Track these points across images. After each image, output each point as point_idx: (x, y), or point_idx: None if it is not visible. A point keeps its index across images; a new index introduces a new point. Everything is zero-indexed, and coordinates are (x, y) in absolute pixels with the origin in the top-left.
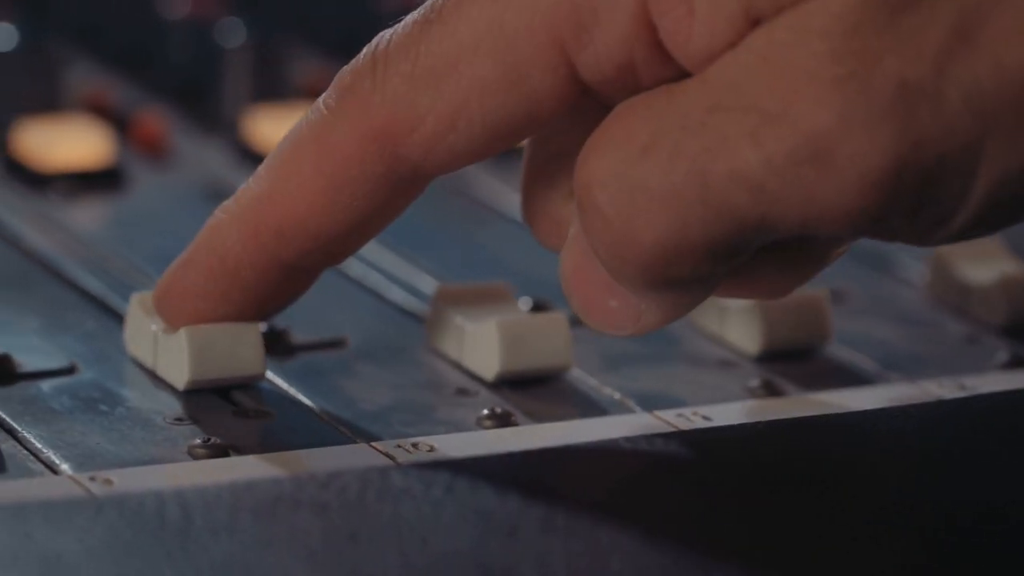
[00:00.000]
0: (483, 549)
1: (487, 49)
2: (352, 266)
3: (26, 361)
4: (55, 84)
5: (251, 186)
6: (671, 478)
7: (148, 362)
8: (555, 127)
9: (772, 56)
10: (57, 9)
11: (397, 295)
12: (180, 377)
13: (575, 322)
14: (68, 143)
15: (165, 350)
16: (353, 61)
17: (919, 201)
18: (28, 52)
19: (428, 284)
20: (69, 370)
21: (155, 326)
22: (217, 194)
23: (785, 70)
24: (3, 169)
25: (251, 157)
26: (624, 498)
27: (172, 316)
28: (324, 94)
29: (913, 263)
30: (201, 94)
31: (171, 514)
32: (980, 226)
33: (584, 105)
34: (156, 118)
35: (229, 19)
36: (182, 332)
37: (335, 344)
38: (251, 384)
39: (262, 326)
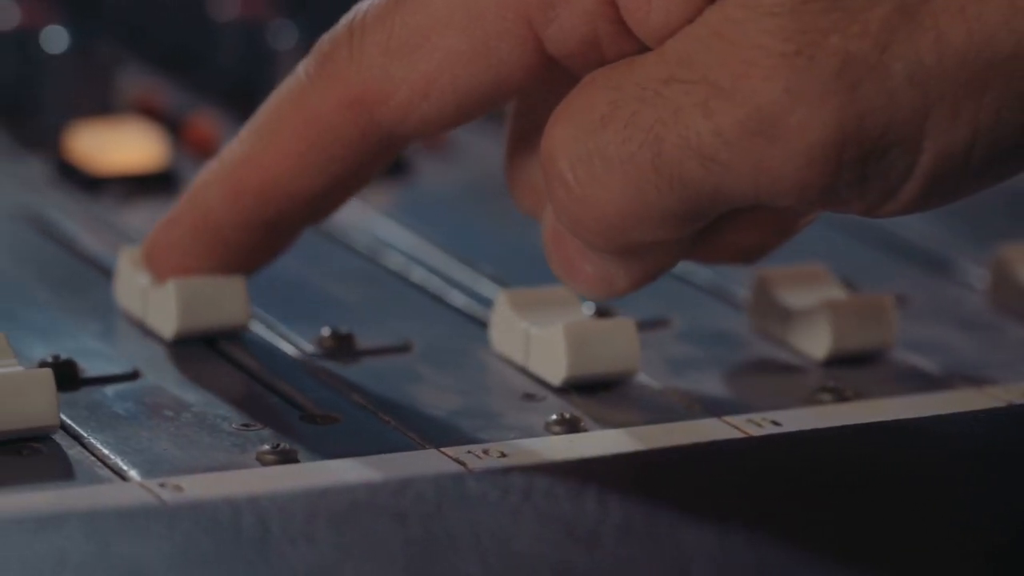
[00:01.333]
0: (564, 556)
1: (458, 23)
2: (414, 271)
3: (89, 366)
4: (107, 86)
5: (234, 147)
6: (747, 484)
7: (138, 314)
8: (534, 99)
9: (724, 32)
10: (107, 11)
11: (459, 300)
12: (168, 327)
13: (642, 327)
14: (122, 146)
15: (154, 302)
16: (332, 30)
17: (865, 173)
18: (80, 54)
19: (487, 288)
20: (132, 375)
21: (144, 280)
22: None
23: (736, 45)
24: (57, 172)
25: None
26: (703, 504)
27: (159, 270)
28: (304, 60)
29: (974, 268)
30: (252, 96)
31: (247, 522)
32: (928, 199)
33: (561, 77)
34: (208, 120)
35: (279, 21)
36: (170, 284)
37: (400, 349)
38: (236, 334)
39: (323, 331)
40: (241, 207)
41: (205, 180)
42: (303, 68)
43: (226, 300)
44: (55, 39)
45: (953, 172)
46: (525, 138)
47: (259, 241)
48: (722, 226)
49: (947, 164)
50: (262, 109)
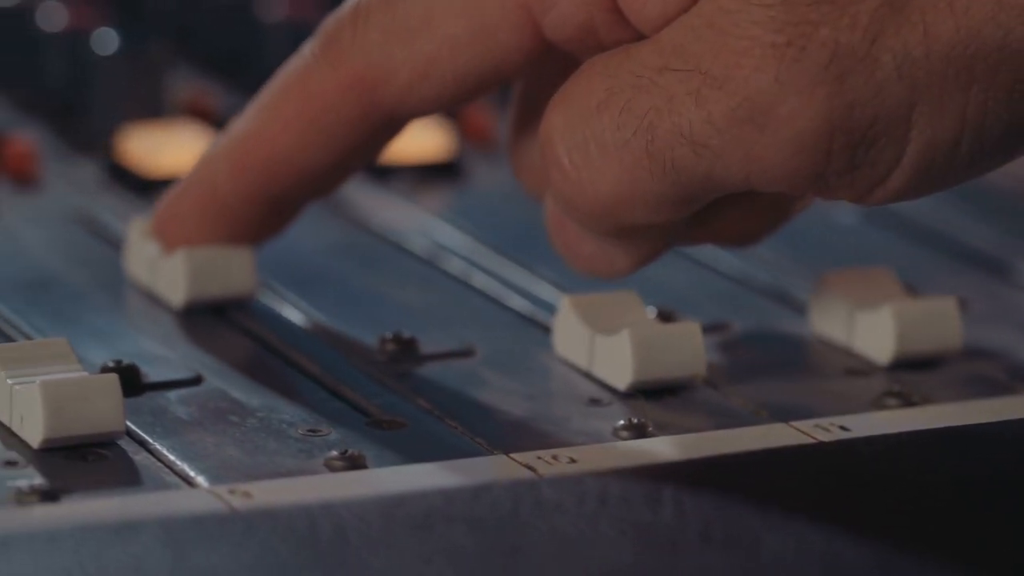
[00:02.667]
0: (644, 563)
1: (459, 9)
2: (473, 275)
3: (150, 371)
4: (157, 89)
5: (240, 123)
6: (822, 490)
7: (146, 283)
8: (537, 82)
9: (717, 22)
10: (154, 14)
11: (519, 303)
12: (177, 296)
13: (703, 331)
14: (174, 149)
15: (162, 272)
16: (337, 11)
17: (854, 162)
18: (130, 56)
19: (546, 291)
20: (195, 380)
21: (152, 250)
22: (327, 200)
23: (728, 36)
24: (109, 175)
25: None
26: (779, 510)
27: (168, 242)
28: (309, 40)
29: None
30: None
31: (324, 529)
32: (917, 188)
33: (563, 61)
34: None
35: None
36: (178, 254)
37: (463, 353)
38: (244, 303)
39: (386, 336)
40: (246, 181)
41: (212, 155)
42: (308, 48)
43: (234, 270)
44: (105, 41)
45: (941, 162)
46: (528, 121)
47: (264, 214)
48: (717, 210)
49: (935, 155)
50: (268, 87)
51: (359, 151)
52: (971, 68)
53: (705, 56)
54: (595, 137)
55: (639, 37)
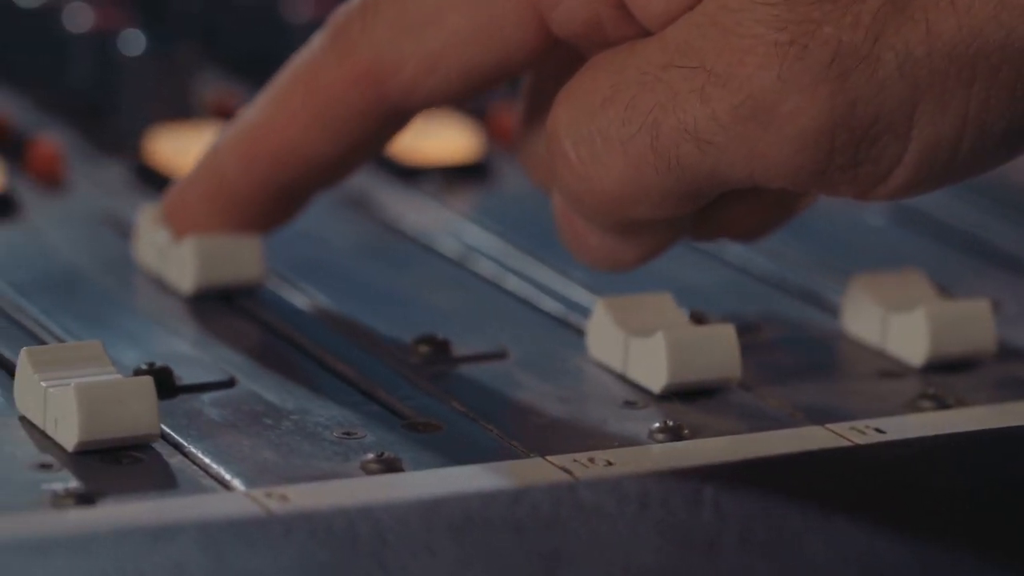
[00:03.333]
0: (685, 566)
1: (467, 4)
2: (504, 277)
3: (184, 373)
4: (185, 90)
5: (249, 113)
6: (861, 492)
7: (156, 270)
8: (545, 76)
9: (722, 20)
10: (180, 15)
11: (550, 305)
12: (186, 283)
13: (740, 333)
14: (201, 150)
15: (172, 259)
16: (346, 4)
17: (856, 159)
18: (157, 57)
19: (578, 294)
20: (229, 383)
21: (162, 237)
22: (355, 200)
23: (732, 34)
24: (137, 176)
25: (384, 163)
26: (819, 513)
27: (178, 228)
28: (318, 32)
29: None
30: None
31: (363, 533)
32: (919, 184)
33: (571, 56)
34: None
35: None
36: (188, 241)
37: (496, 356)
38: (252, 289)
39: (419, 338)
40: (255, 171)
41: (220, 144)
42: (317, 40)
43: (242, 257)
44: (131, 42)
45: (943, 159)
46: (536, 114)
47: (272, 204)
48: (723, 204)
49: (936, 152)
50: (278, 78)
51: (366, 143)
52: (973, 66)
53: (709, 53)
54: (600, 132)
55: (645, 33)
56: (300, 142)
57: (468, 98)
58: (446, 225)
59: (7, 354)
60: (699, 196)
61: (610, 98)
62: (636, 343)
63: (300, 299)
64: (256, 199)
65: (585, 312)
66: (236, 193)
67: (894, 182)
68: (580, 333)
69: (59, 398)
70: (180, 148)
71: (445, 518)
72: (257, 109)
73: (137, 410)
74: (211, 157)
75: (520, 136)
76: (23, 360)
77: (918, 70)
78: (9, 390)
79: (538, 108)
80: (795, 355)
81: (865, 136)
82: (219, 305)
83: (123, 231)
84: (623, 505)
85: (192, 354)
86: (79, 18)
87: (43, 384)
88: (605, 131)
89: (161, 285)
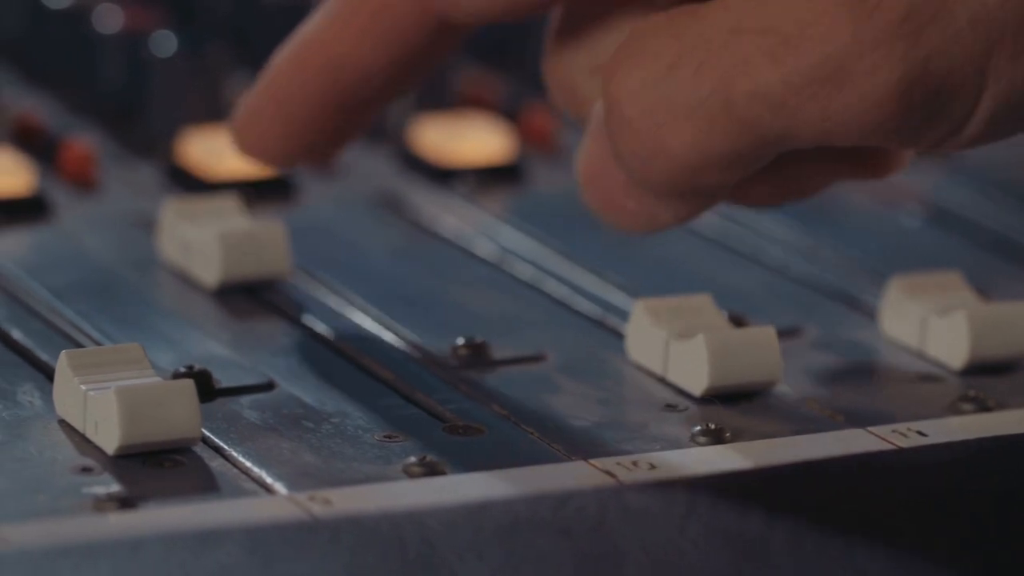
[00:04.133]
0: (736, 571)
1: None
2: (540, 279)
3: (223, 376)
4: (216, 91)
5: (305, 27)
6: (907, 495)
7: (180, 265)
8: (581, 3)
9: None
10: (208, 16)
11: (586, 307)
12: (211, 277)
13: (779, 335)
14: (234, 152)
15: (196, 253)
16: None
17: (930, 114)
18: (188, 58)
19: (614, 296)
20: (268, 386)
21: (186, 232)
22: (387, 201)
23: None
24: (169, 177)
25: (418, 166)
26: (868, 516)
27: (245, 147)
28: None
29: None
30: None
31: (410, 537)
32: (991, 135)
33: None
34: None
35: None
36: (212, 235)
37: (535, 359)
38: (277, 283)
39: (458, 341)
40: (309, 84)
41: (279, 59)
42: None
43: (267, 250)
44: (162, 43)
45: (1015, 110)
46: (569, 36)
47: (331, 121)
48: (780, 166)
49: (1010, 103)
50: None
51: (416, 57)
52: None
53: (778, 15)
54: (667, 100)
55: None
56: (351, 54)
57: (512, 17)
58: (480, 227)
59: (44, 357)
60: (766, 158)
61: (675, 64)
62: (676, 345)
63: (334, 300)
64: (314, 113)
65: (622, 314)
66: (296, 107)
67: (967, 134)
68: (618, 335)
69: (100, 401)
70: (212, 150)
71: (492, 522)
72: (311, 23)
73: (178, 413)
74: (271, 73)
75: (546, 57)
76: (62, 363)
77: (990, 22)
78: (47, 393)
79: (568, 30)
80: (834, 358)
81: (939, 90)
82: (252, 304)
83: (156, 233)
84: (670, 509)
85: (229, 356)
86: (109, 19)
87: (83, 387)
88: (672, 98)
89: (185, 280)
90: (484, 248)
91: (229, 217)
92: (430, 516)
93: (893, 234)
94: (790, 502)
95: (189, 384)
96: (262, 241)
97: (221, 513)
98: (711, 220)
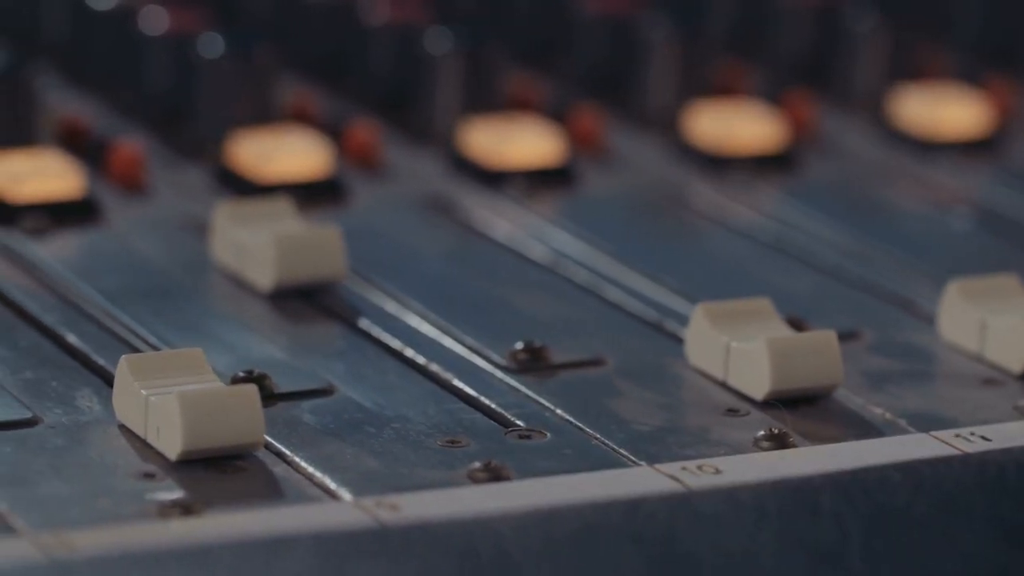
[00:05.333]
0: None
1: None
2: (594, 282)
3: (282, 381)
4: (264, 93)
5: None
6: (977, 500)
7: (234, 268)
8: None
9: None
10: (255, 17)
11: (640, 309)
12: (266, 280)
13: (840, 339)
14: (286, 154)
15: (251, 256)
16: None
17: None
18: (236, 59)
19: (670, 299)
20: (328, 390)
21: (240, 235)
22: (436, 204)
23: None
24: (218, 180)
25: (468, 168)
26: (939, 521)
27: None
28: None
29: None
30: (407, 103)
31: (483, 544)
32: None
33: None
34: (368, 128)
35: (434, 27)
36: (268, 237)
37: (594, 363)
38: (331, 287)
39: (517, 345)
40: None
41: None
42: None
43: (323, 253)
44: (209, 45)
45: None
46: None
47: None
48: None
49: None
50: None
51: None
52: None
53: None
54: None
55: None
56: None
57: None
58: (531, 229)
59: (101, 362)
60: None
61: None
62: (737, 350)
63: (389, 303)
64: None
65: (678, 317)
66: None
67: None
68: (676, 339)
69: (161, 407)
70: (261, 152)
71: (563, 528)
72: None
73: (241, 419)
74: None
75: None
76: (122, 368)
77: None
78: (105, 398)
79: None
80: (894, 361)
81: None
82: (307, 308)
83: (206, 236)
84: (740, 515)
85: (286, 360)
86: (154, 21)
87: (144, 392)
88: None
89: (239, 283)
90: (536, 251)
91: (283, 220)
92: (501, 522)
93: (943, 236)
94: (860, 507)
95: (252, 389)
96: (317, 244)
97: (288, 519)
98: (762, 222)
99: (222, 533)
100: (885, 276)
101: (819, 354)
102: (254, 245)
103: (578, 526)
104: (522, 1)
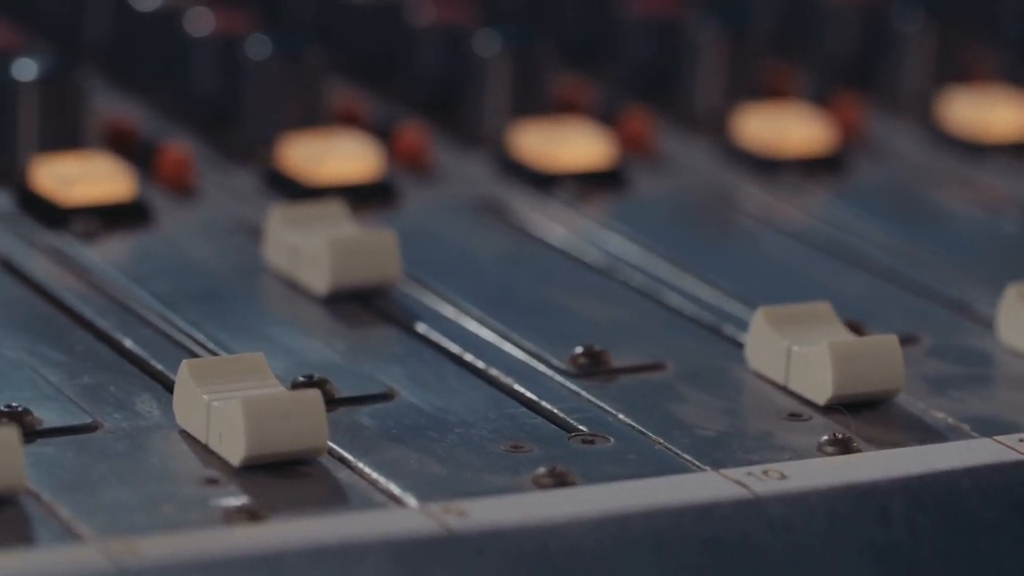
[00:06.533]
0: None
1: None
2: (653, 287)
3: (342, 386)
4: (312, 95)
5: None
6: None
7: (288, 272)
8: None
9: None
10: (301, 18)
11: (702, 316)
12: (321, 284)
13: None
14: (335, 156)
15: (305, 259)
16: None
17: None
18: (285, 61)
19: (727, 303)
20: (388, 395)
21: (294, 238)
22: (487, 207)
23: None
24: (268, 183)
25: (518, 171)
26: (1013, 528)
27: None
28: None
29: None
30: (455, 105)
31: (556, 550)
32: None
33: None
34: (417, 131)
35: (482, 28)
36: (323, 240)
37: (654, 367)
38: (386, 290)
39: (577, 349)
40: None
41: None
42: None
43: (378, 256)
44: (256, 47)
45: None
46: None
47: None
48: None
49: None
50: None
51: None
52: None
53: None
54: None
55: None
56: None
57: None
58: (584, 233)
59: (159, 366)
60: None
61: None
62: (799, 354)
63: (445, 307)
64: None
65: (735, 321)
66: None
67: None
68: (734, 343)
69: (224, 412)
70: (312, 155)
71: (635, 534)
72: None
73: (306, 424)
74: None
75: None
76: (184, 373)
77: None
78: (165, 403)
79: None
80: (953, 365)
81: None
82: (363, 311)
83: (257, 238)
84: (812, 521)
85: (345, 364)
86: (200, 22)
87: (205, 397)
88: None
89: (293, 287)
90: (590, 255)
91: (337, 223)
92: (574, 528)
93: (994, 239)
94: (931, 513)
95: (316, 395)
96: (373, 247)
97: (358, 526)
98: (813, 225)
99: (292, 540)
100: (939, 279)
101: (881, 358)
102: (308, 248)
103: (649, 532)
104: (567, 2)
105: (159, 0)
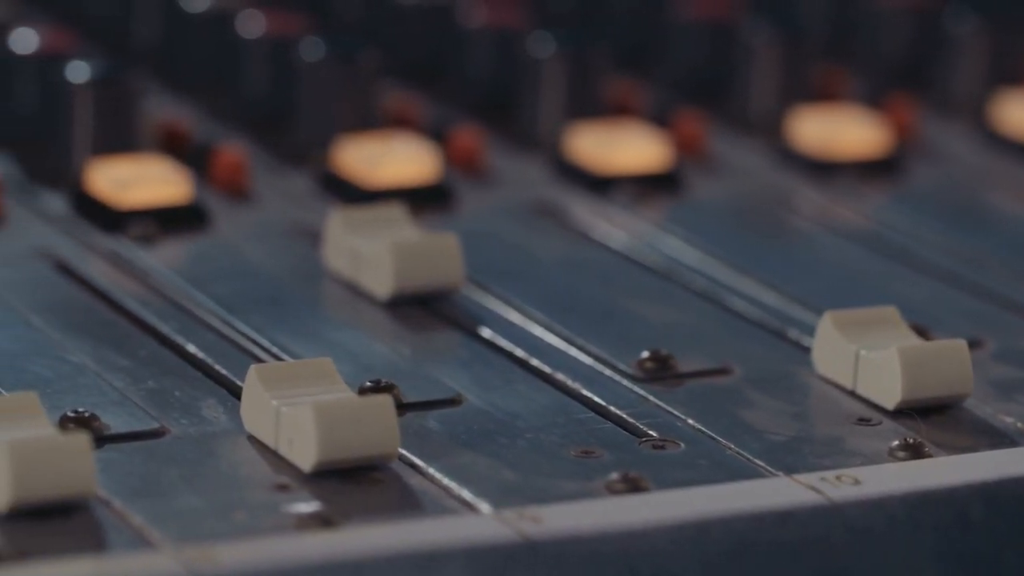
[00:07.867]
0: None
1: None
2: (715, 291)
3: (408, 390)
4: (366, 97)
5: None
6: None
7: (349, 276)
8: None
9: None
10: (352, 21)
11: (766, 319)
12: (384, 288)
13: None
14: (391, 159)
15: (367, 263)
16: None
17: None
18: (337, 64)
19: (791, 307)
20: (456, 400)
21: (355, 242)
22: (544, 210)
23: None
24: (323, 186)
25: (574, 174)
26: None
27: None
28: None
29: None
30: (508, 107)
31: (638, 556)
32: None
33: None
34: (472, 134)
35: (535, 30)
36: (385, 244)
37: (721, 372)
38: (449, 294)
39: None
40: None
41: None
42: None
43: (440, 259)
44: (309, 49)
45: None
46: None
47: None
48: None
49: None
50: None
51: None
52: None
53: None
54: None
55: None
56: None
57: None
58: (642, 236)
59: (224, 371)
60: None
61: None
62: (867, 358)
63: (508, 310)
64: None
65: (800, 325)
66: None
67: None
68: (799, 347)
69: (294, 417)
70: (368, 157)
71: (716, 540)
72: None
73: (377, 430)
74: None
75: None
76: (252, 378)
77: None
78: (231, 408)
79: None
80: (1019, 370)
81: None
82: (426, 315)
83: (314, 241)
84: (893, 526)
85: (410, 369)
86: (252, 24)
87: (274, 403)
88: None
89: (354, 291)
90: (649, 258)
91: (398, 227)
92: (652, 534)
93: None
94: (1010, 517)
95: (388, 400)
96: (435, 251)
97: (433, 533)
98: (870, 228)
99: (369, 547)
100: (999, 282)
101: (950, 363)
102: (370, 252)
103: (730, 538)
104: (618, 5)
105: (209, 2)
